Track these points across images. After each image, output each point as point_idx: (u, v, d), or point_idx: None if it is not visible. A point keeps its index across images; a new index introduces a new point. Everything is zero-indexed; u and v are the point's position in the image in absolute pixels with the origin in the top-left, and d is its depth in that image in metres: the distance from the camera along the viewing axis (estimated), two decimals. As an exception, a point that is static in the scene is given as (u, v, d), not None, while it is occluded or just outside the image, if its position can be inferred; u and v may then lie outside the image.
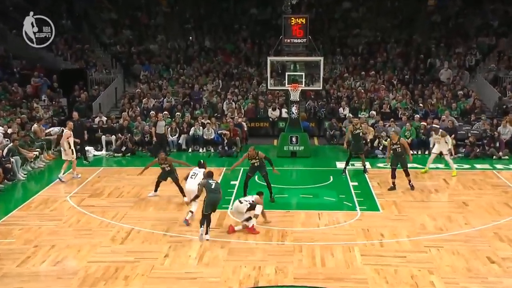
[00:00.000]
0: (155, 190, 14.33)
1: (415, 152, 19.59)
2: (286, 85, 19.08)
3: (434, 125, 17.86)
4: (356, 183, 15.49)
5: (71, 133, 16.03)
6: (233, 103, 23.15)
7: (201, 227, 11.34)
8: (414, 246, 11.02)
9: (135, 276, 9.70)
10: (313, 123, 22.71)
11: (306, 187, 15.39)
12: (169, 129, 20.37)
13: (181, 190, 13.61)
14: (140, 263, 10.18)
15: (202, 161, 13.42)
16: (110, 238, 11.43)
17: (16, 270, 9.98)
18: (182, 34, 29.77)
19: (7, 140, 17.29)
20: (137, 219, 12.57)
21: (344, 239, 11.38)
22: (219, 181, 12.49)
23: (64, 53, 27.08)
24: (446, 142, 16.30)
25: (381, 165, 17.50)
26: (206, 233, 11.34)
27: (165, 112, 21.50)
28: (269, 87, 20.40)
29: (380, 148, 18.99)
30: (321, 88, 20.43)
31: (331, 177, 16.23)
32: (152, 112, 21.51)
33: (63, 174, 15.83)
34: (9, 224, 12.14)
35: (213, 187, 11.53)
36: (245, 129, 21.19)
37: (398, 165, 14.82)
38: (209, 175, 11.94)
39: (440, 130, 16.77)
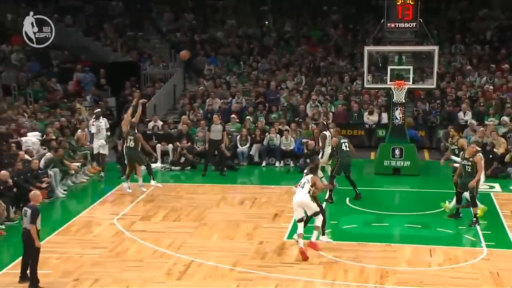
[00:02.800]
0: None
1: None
2: (388, 82, 18.84)
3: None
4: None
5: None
6: (319, 105, 23.13)
7: None
8: None
9: (194, 320, 9.86)
10: (423, 132, 22.26)
11: (413, 214, 15.06)
12: (238, 137, 20.61)
13: None
14: (201, 304, 10.33)
15: None
16: (165, 272, 11.63)
17: (53, 307, 10.38)
18: (257, 18, 30.15)
19: (45, 148, 18.08)
20: (198, 249, 12.72)
21: (465, 284, 11.04)
22: None
23: (114, 43, 28.13)
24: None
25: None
26: None
27: (233, 116, 21.86)
28: (365, 85, 20.23)
29: (515, 166, 18.33)
30: (434, 86, 20.00)
31: (447, 201, 15.74)
32: (214, 115, 21.79)
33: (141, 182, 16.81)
34: (45, 251, 12.59)
35: None
36: (335, 138, 21.07)
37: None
38: None
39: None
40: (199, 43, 28.49)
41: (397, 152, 18.87)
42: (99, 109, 19.90)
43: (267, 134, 20.83)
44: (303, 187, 12.52)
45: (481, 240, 13.15)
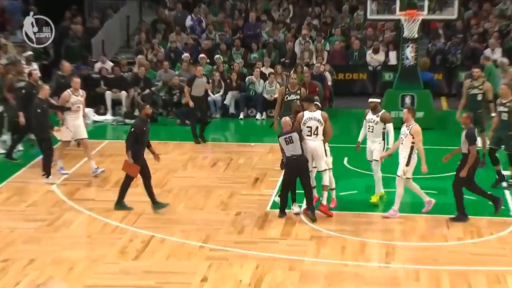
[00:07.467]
0: None
1: None
2: (397, 12, 18.89)
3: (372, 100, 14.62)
4: (509, 173, 15.19)
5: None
6: (310, 41, 23.10)
7: None
8: None
9: (156, 312, 10.04)
10: (441, 74, 22.38)
11: (427, 177, 15.18)
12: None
13: None
14: (165, 290, 10.45)
15: None
16: (119, 251, 11.72)
17: (-23, 296, 10.47)
18: None
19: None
20: (161, 222, 12.80)
21: (490, 262, 11.26)
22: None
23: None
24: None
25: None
26: None
27: (202, 55, 21.62)
28: (368, 16, 20.17)
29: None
30: (455, 16, 20.04)
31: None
32: (185, 55, 21.71)
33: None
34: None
35: None
36: (329, 83, 21.14)
37: (502, 147, 14.27)
38: None
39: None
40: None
41: (407, 100, 19.02)
42: (31, 52, 20.59)
43: (246, 78, 20.85)
44: (316, 133, 12.66)
45: (511, 209, 13.53)
